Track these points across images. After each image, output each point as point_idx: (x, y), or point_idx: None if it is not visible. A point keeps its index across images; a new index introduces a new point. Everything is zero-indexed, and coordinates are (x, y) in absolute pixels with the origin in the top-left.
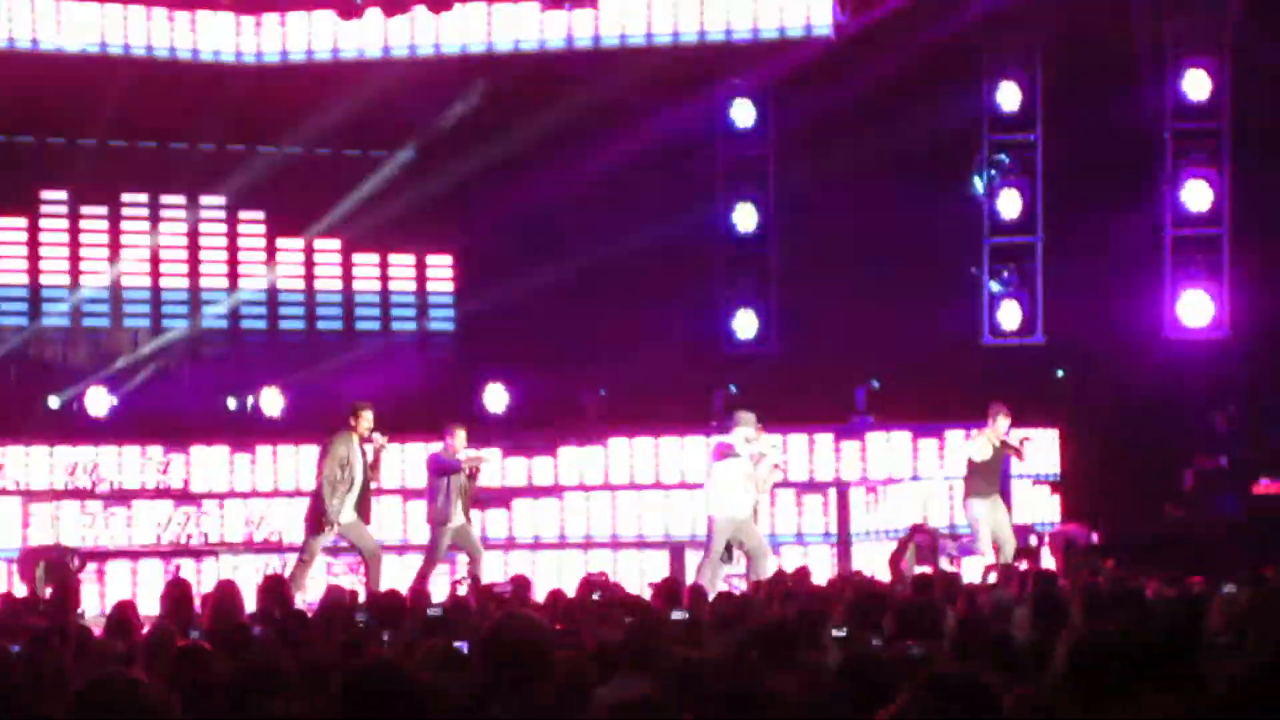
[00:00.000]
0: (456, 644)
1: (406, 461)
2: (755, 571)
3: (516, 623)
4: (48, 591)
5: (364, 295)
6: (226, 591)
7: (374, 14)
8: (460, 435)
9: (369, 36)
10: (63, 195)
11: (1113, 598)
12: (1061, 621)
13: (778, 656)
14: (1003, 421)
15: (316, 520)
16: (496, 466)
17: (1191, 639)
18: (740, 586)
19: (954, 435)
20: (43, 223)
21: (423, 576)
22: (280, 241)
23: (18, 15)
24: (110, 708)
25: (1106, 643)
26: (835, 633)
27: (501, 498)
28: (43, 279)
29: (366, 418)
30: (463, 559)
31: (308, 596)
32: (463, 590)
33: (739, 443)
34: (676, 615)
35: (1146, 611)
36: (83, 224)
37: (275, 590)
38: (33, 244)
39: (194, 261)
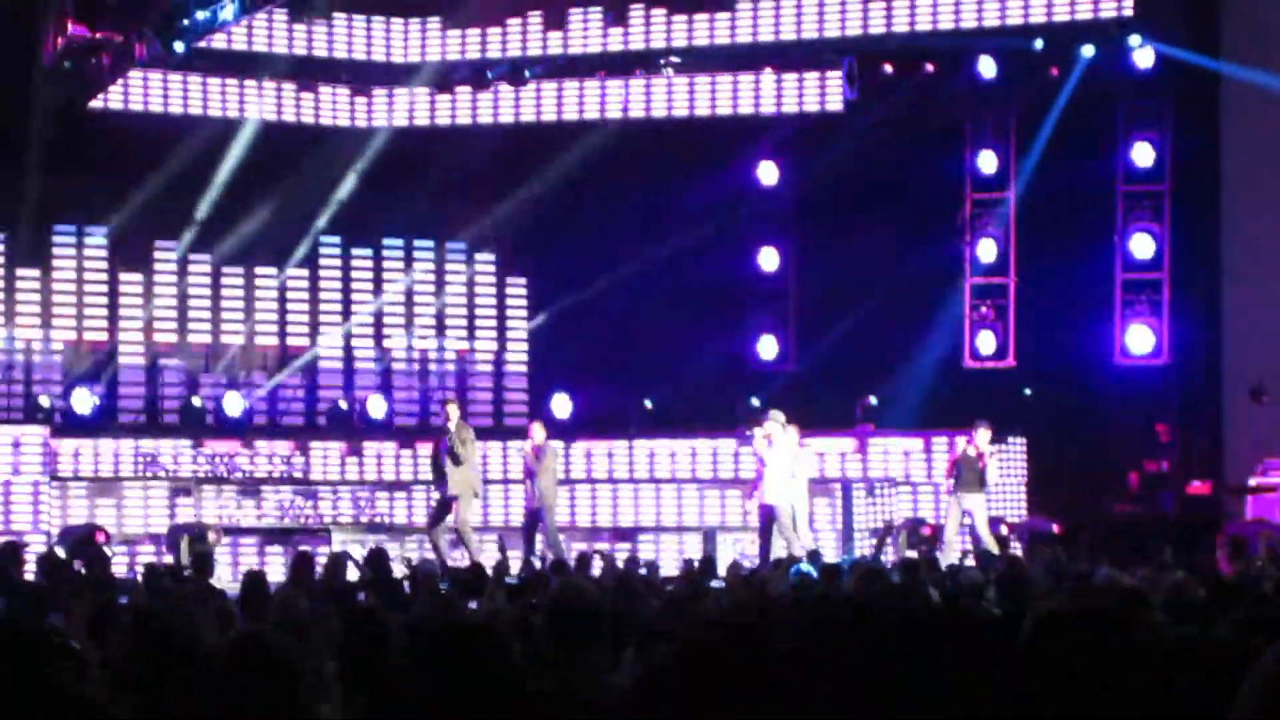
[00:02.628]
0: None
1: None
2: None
3: (574, 591)
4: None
5: (454, 319)
6: (339, 562)
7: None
8: (536, 429)
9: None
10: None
11: (1069, 578)
12: (1024, 598)
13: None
14: (983, 434)
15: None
16: (561, 462)
17: (1137, 616)
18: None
19: (939, 442)
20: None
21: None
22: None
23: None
24: (255, 658)
25: (1065, 617)
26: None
27: (565, 488)
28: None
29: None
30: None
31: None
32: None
33: (758, 438)
34: (714, 584)
35: (1098, 591)
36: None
37: (377, 562)
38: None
39: (314, 289)
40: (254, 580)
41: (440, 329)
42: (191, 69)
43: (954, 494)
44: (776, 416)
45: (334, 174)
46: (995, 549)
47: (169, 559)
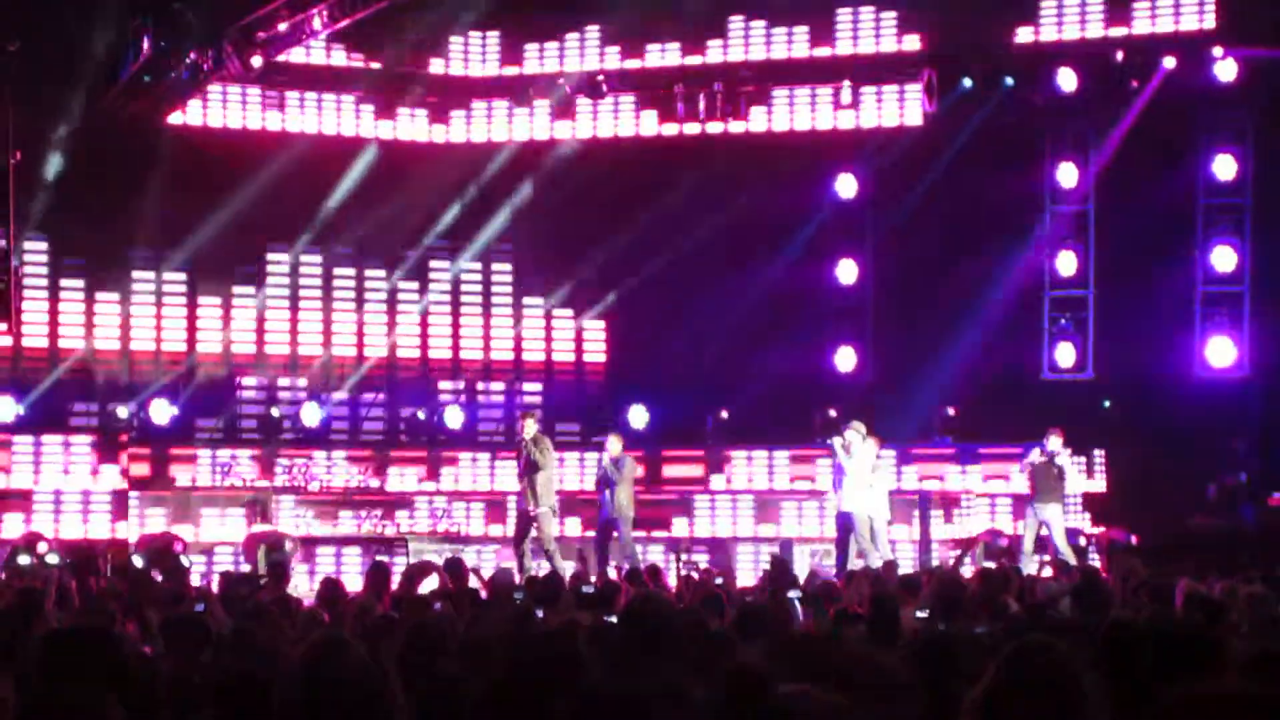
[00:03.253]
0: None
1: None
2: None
3: (648, 603)
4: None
5: (531, 333)
6: (416, 572)
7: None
8: (613, 441)
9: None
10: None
11: (1146, 590)
12: (1100, 608)
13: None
14: (1055, 440)
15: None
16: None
17: (1215, 630)
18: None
19: (1018, 454)
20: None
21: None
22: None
23: None
24: (331, 667)
25: (1138, 628)
26: (919, 614)
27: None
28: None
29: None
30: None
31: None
32: (612, 573)
33: (837, 446)
34: (791, 595)
35: (1174, 603)
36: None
37: (454, 571)
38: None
39: (392, 304)
40: (329, 587)
41: (518, 340)
42: (270, 84)
43: (1032, 505)
44: (857, 427)
45: (421, 190)
46: (1073, 560)
47: (246, 568)
